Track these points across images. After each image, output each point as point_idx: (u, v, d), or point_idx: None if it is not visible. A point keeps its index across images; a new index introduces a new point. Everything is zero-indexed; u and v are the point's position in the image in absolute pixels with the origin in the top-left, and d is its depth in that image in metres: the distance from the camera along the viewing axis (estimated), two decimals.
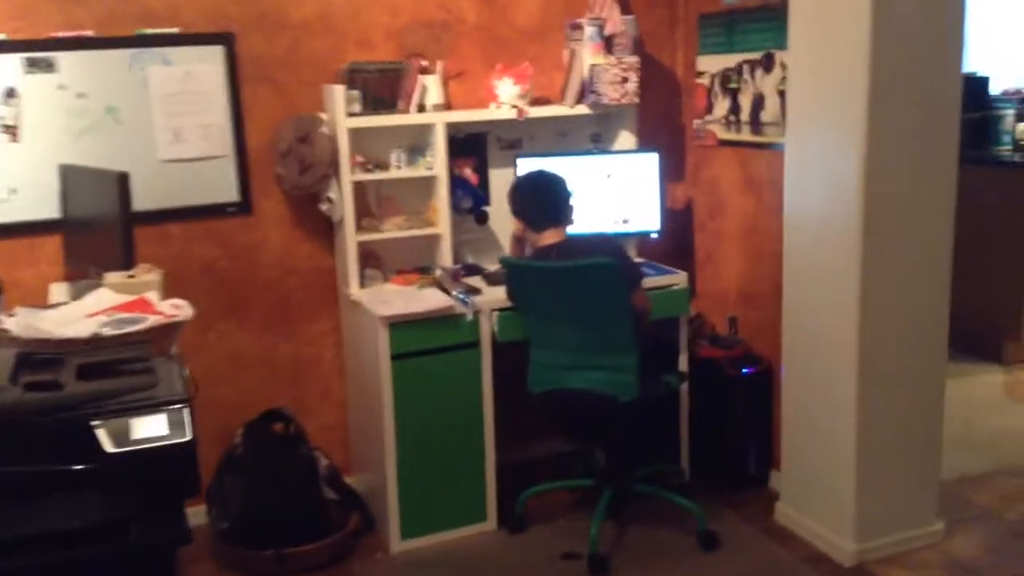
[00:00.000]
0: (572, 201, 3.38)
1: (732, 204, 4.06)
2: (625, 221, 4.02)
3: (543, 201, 3.33)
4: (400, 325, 3.44)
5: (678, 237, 4.31)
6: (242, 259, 3.82)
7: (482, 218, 4.03)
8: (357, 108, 3.68)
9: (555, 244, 3.30)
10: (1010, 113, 5.53)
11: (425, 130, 3.81)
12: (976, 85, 5.53)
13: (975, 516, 3.64)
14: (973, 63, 5.78)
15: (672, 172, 4.28)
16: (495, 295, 3.57)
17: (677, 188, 4.38)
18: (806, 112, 3.34)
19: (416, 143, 3.87)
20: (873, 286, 3.18)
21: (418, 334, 3.47)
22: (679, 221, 4.33)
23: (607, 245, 3.27)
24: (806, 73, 3.32)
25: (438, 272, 3.74)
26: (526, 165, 3.93)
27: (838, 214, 3.21)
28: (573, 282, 3.17)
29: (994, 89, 5.69)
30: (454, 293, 3.56)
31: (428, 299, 3.55)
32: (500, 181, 4.08)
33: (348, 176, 3.66)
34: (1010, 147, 5.51)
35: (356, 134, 3.68)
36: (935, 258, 3.28)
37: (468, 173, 4.05)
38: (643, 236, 4.09)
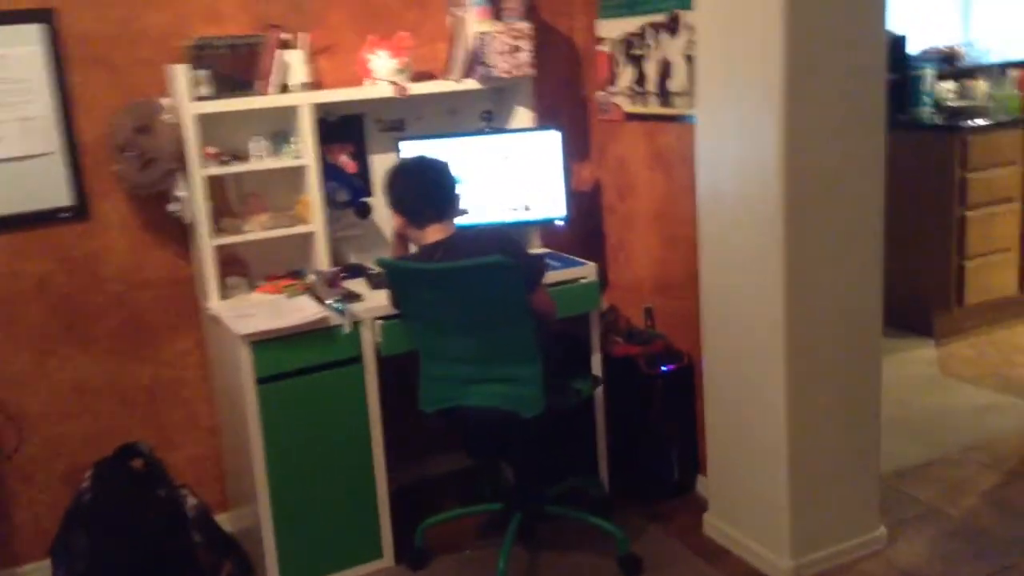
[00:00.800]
0: (459, 190, 2.92)
1: (642, 184, 3.66)
2: (527, 208, 3.59)
3: (423, 192, 2.87)
4: (265, 343, 2.95)
5: (586, 223, 3.90)
6: (81, 272, 3.28)
7: (363, 211, 3.56)
8: (206, 91, 3.16)
9: (441, 241, 2.85)
10: (930, 73, 5.25)
11: (289, 113, 3.31)
12: (893, 45, 5.23)
13: (918, 515, 3.32)
14: (889, 21, 5.48)
15: (576, 151, 3.86)
16: (379, 301, 3.11)
17: (582, 168, 3.96)
18: (717, 79, 2.94)
19: (280, 129, 3.37)
20: (799, 269, 2.81)
21: (287, 352, 2.99)
22: (587, 205, 3.92)
23: (500, 240, 2.83)
24: (715, 35, 2.92)
25: (311, 277, 3.25)
26: (411, 149, 3.47)
27: (757, 191, 2.83)
28: (463, 285, 2.73)
29: (912, 49, 5.40)
30: (329, 302, 3.09)
31: (297, 310, 3.06)
32: (382, 168, 3.58)
33: (199, 170, 3.15)
34: (931, 109, 5.24)
35: (206, 121, 3.17)
36: (866, 234, 2.93)
37: (344, 161, 3.57)
38: (548, 224, 3.66)
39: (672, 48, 3.35)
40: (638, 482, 3.58)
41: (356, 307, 3.09)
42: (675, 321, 3.57)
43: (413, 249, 3.00)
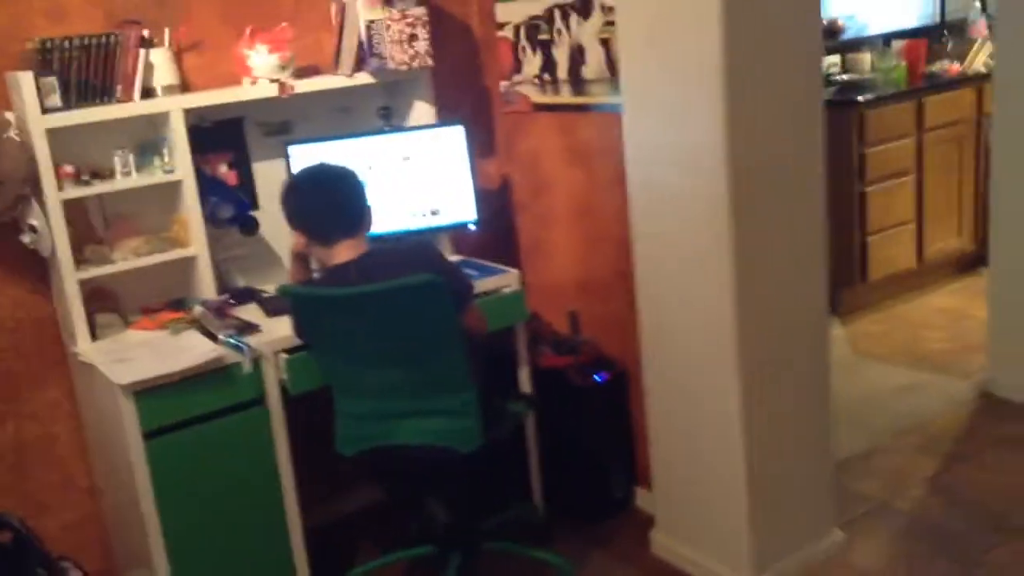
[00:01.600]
0: (368, 199, 2.56)
1: (558, 180, 3.39)
2: (434, 213, 3.26)
3: (330, 206, 2.50)
4: (151, 392, 2.53)
5: (497, 223, 3.59)
6: None
7: (249, 227, 3.15)
8: (56, 101, 2.69)
9: (353, 260, 2.48)
10: None
11: (157, 121, 2.88)
12: None
13: (869, 512, 3.18)
14: None
15: (481, 147, 3.55)
16: (280, 330, 2.72)
17: (489, 165, 3.65)
18: (644, 63, 2.68)
19: (147, 140, 2.93)
20: (747, 264, 2.59)
21: (178, 400, 2.58)
22: (496, 204, 3.61)
23: (422, 254, 2.50)
24: (639, 14, 2.66)
25: (197, 309, 2.83)
26: (301, 154, 3.08)
27: (698, 183, 2.59)
28: (386, 310, 2.38)
29: None
30: (222, 336, 2.68)
31: (185, 350, 2.65)
32: (269, 176, 3.21)
33: (54, 193, 2.68)
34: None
35: (60, 136, 2.70)
36: (810, 222, 2.74)
37: (223, 172, 3.15)
38: (458, 229, 3.34)
39: (584, 31, 3.07)
40: (576, 503, 3.31)
41: (254, 340, 2.69)
42: (603, 325, 3.32)
43: (317, 270, 2.62)
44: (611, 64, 2.99)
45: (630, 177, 2.82)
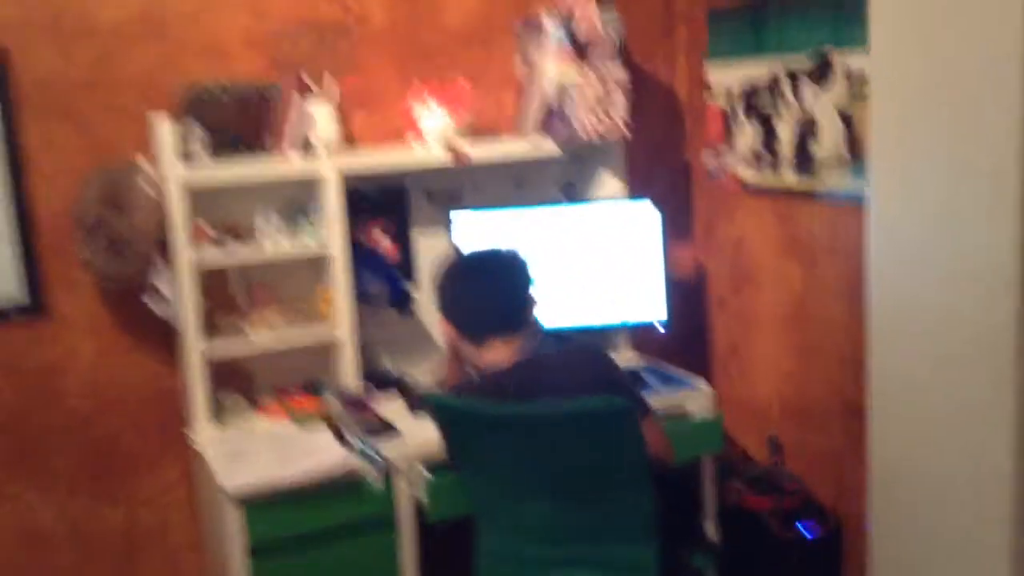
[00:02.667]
0: (533, 291, 2.07)
1: (767, 275, 2.81)
2: (613, 304, 2.75)
3: (485, 297, 2.02)
4: (261, 500, 2.12)
5: (687, 320, 3.04)
6: (35, 387, 2.50)
7: (404, 306, 2.75)
8: (200, 151, 2.38)
9: (511, 368, 1.99)
10: None
11: (311, 183, 2.53)
12: None
13: None
14: None
15: (675, 228, 3.02)
16: (422, 433, 2.27)
17: (682, 250, 3.11)
18: (907, 146, 2.08)
19: (297, 202, 2.58)
20: None
21: (292, 512, 2.16)
22: (686, 296, 3.06)
23: (594, 365, 1.99)
24: (908, 86, 2.07)
25: (331, 400, 2.42)
26: (465, 223, 2.67)
27: (975, 307, 1.96)
28: (560, 436, 1.87)
29: None
30: (353, 440, 2.25)
31: (311, 453, 2.24)
32: (429, 248, 2.81)
33: (186, 255, 2.36)
34: None
35: (199, 191, 2.39)
36: None
37: (382, 243, 2.76)
38: (643, 329, 2.81)
39: (820, 102, 2.51)
40: None
41: (391, 447, 2.25)
42: (814, 460, 2.69)
43: (472, 371, 2.15)
44: (853, 143, 2.41)
45: (872, 284, 2.21)
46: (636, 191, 2.86)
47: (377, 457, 2.19)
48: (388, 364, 2.78)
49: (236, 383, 2.57)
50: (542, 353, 2.03)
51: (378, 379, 2.67)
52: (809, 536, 2.53)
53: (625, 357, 2.85)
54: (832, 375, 2.59)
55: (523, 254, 2.06)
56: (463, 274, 2.07)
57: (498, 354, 1.99)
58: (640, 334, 2.90)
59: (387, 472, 2.22)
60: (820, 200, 2.56)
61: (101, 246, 2.35)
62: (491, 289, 2.02)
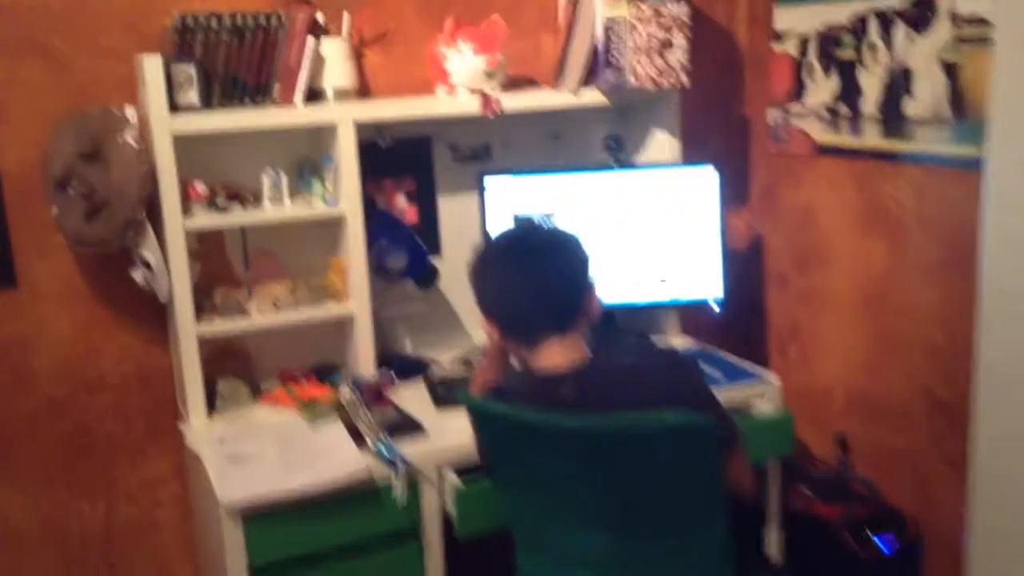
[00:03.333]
0: (591, 279, 1.72)
1: (841, 250, 2.46)
2: (663, 281, 2.42)
3: (537, 292, 1.64)
4: (264, 514, 1.80)
5: (739, 299, 2.70)
6: (2, 366, 2.16)
7: (427, 280, 2.41)
8: (193, 98, 2.03)
9: (571, 372, 1.64)
10: None
11: (321, 135, 2.17)
12: None
13: None
14: None
15: (730, 195, 2.66)
16: (451, 431, 1.95)
17: (737, 219, 2.77)
18: None
19: (306, 158, 2.23)
20: None
21: (300, 526, 1.83)
22: (740, 272, 2.72)
23: (676, 375, 1.62)
24: None
25: (344, 391, 2.08)
26: (500, 189, 2.32)
27: None
28: (624, 456, 1.53)
29: None
30: (371, 439, 1.92)
31: (322, 454, 1.90)
32: (456, 213, 2.47)
33: (177, 220, 2.01)
34: None
35: (193, 144, 2.04)
36: None
37: (401, 206, 2.42)
38: (694, 307, 2.48)
39: (917, 51, 2.15)
40: None
41: (415, 449, 1.92)
42: (890, 462, 2.37)
43: (517, 367, 1.80)
44: (957, 99, 2.05)
45: (985, 264, 1.87)
46: (691, 152, 2.51)
47: (399, 460, 1.86)
48: (409, 347, 2.45)
49: (235, 367, 2.25)
50: (611, 356, 1.68)
51: (398, 364, 2.34)
52: (887, 550, 2.22)
53: (675, 341, 2.52)
54: (915, 366, 2.26)
55: (575, 236, 1.71)
56: (504, 263, 1.68)
57: (555, 356, 1.64)
58: (691, 314, 2.56)
59: (410, 478, 1.89)
60: (911, 165, 2.20)
61: (75, 204, 2.00)
62: (543, 278, 1.64)
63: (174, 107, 2.00)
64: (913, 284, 2.25)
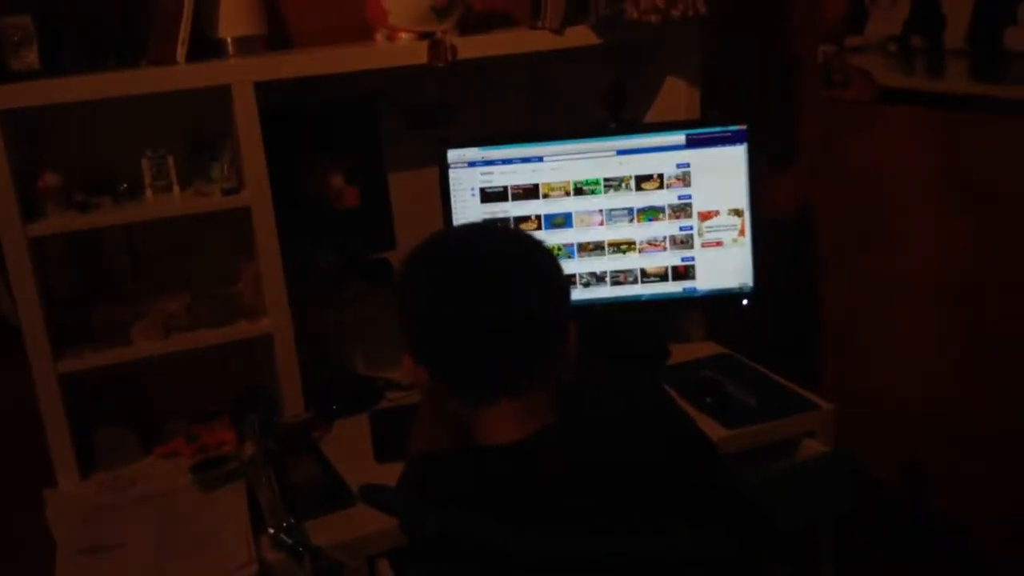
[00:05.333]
0: (566, 310, 1.14)
1: (918, 226, 1.88)
2: (676, 274, 1.87)
3: (494, 328, 1.07)
4: None
5: (779, 284, 2.12)
6: None
7: (376, 276, 1.88)
8: (32, 60, 1.51)
9: (529, 446, 1.06)
10: None
11: (217, 102, 1.64)
12: None
13: None
14: None
15: (766, 155, 2.07)
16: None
17: (777, 185, 2.19)
18: None
19: (200, 132, 1.71)
20: None
21: None
22: (782, 253, 2.15)
23: (687, 449, 1.09)
24: None
25: (249, 434, 1.57)
26: (464, 165, 1.79)
27: None
28: None
29: None
30: (272, 522, 1.41)
31: (206, 542, 1.40)
32: (412, 191, 1.93)
33: (15, 225, 1.51)
34: None
35: (39, 122, 1.52)
36: None
37: (337, 186, 1.88)
38: (719, 300, 1.92)
39: None
40: None
41: (339, 527, 1.42)
42: (980, 502, 1.82)
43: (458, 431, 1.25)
44: None
45: None
46: (711, 103, 1.94)
47: (307, 553, 1.35)
48: (361, 364, 1.95)
49: (123, 407, 1.74)
50: (587, 423, 1.13)
51: (342, 390, 1.84)
52: None
53: (695, 349, 1.97)
54: (1016, 376, 1.70)
55: (539, 242, 1.16)
56: (452, 278, 1.10)
57: (506, 422, 1.09)
58: (714, 308, 2.01)
59: (329, 572, 1.39)
60: (1010, 117, 1.61)
61: None
62: (505, 309, 1.08)
63: (6, 73, 1.48)
64: (1012, 272, 1.67)
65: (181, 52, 1.59)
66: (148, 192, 1.66)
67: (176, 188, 1.67)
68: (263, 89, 1.59)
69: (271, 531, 1.38)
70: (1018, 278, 1.67)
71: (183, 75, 1.57)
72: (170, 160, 1.66)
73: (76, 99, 1.51)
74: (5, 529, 1.79)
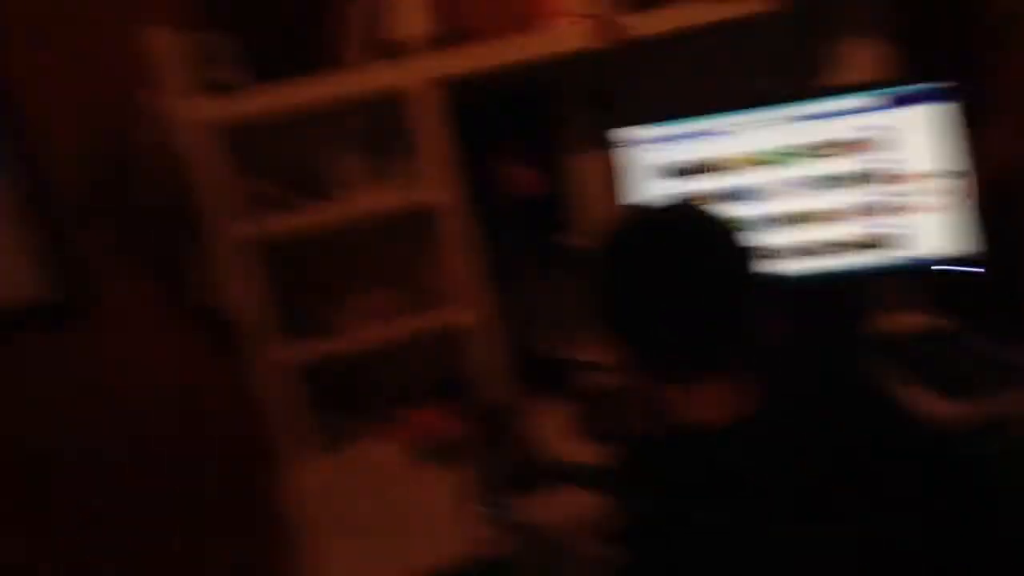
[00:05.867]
0: (754, 280, 1.11)
1: None
2: (873, 245, 1.76)
3: (690, 302, 1.08)
4: None
5: (992, 249, 1.93)
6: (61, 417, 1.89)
7: (564, 257, 1.89)
8: (226, 73, 1.63)
9: (736, 425, 1.07)
10: None
11: (400, 102, 1.70)
12: None
13: None
14: None
15: (971, 106, 1.91)
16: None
17: (997, 137, 2.01)
18: None
19: (378, 131, 1.78)
20: None
21: None
22: (991, 214, 1.97)
23: (916, 441, 1.05)
24: None
25: (463, 424, 1.61)
26: (634, 147, 1.77)
27: None
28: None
29: None
30: (486, 497, 1.44)
31: (428, 531, 1.46)
32: (587, 176, 1.94)
33: (235, 227, 1.63)
34: None
35: (240, 132, 1.64)
36: None
37: (519, 178, 1.91)
38: (922, 271, 1.80)
39: None
40: None
41: (552, 504, 1.44)
42: None
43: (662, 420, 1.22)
44: None
45: None
46: (907, 63, 1.82)
47: (517, 527, 1.37)
48: (554, 346, 1.96)
49: (341, 393, 1.85)
50: (793, 402, 1.09)
51: (540, 370, 1.86)
52: None
53: (908, 320, 1.85)
54: None
55: (734, 225, 1.14)
56: (650, 258, 1.11)
57: (713, 402, 1.08)
58: (927, 277, 1.87)
59: (541, 552, 1.41)
60: None
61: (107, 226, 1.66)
62: (697, 288, 1.08)
63: (208, 86, 1.61)
64: None
65: (366, 55, 1.67)
66: (345, 192, 1.74)
67: (371, 187, 1.75)
68: (442, 87, 1.64)
69: (485, 509, 1.41)
70: None
71: (381, 75, 1.64)
72: (354, 160, 1.74)
73: (282, 108, 1.61)
74: (234, 508, 1.94)
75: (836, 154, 1.74)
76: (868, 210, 1.74)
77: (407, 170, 1.74)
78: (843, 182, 1.74)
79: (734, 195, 1.76)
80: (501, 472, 1.50)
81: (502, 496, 1.43)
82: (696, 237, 1.10)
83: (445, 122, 1.66)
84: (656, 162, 1.79)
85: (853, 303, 1.88)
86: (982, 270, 1.72)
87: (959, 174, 1.71)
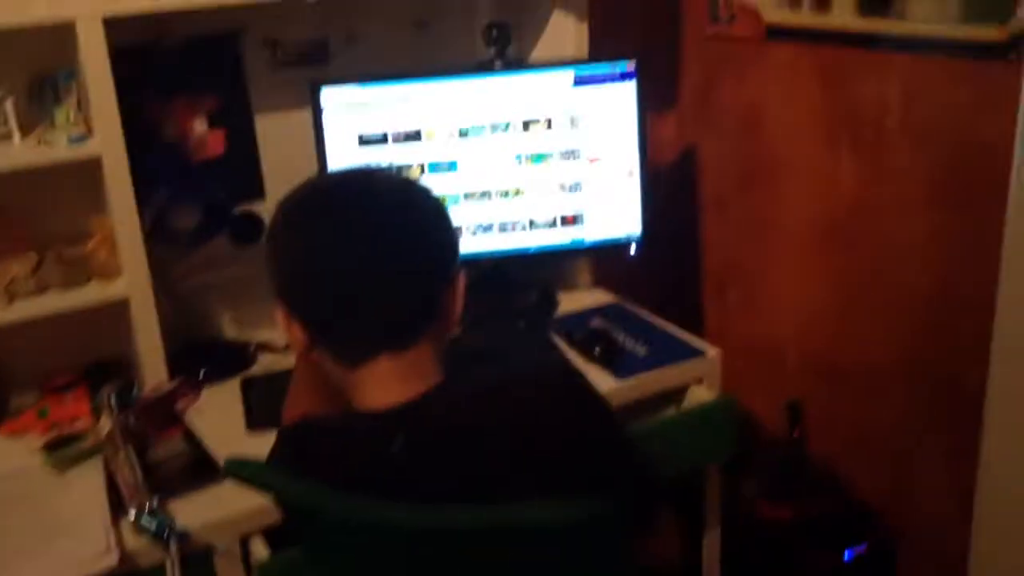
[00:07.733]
0: (456, 263, 1.07)
1: (799, 166, 1.88)
2: (566, 221, 1.81)
3: (373, 275, 1.00)
4: None
5: (663, 227, 2.07)
6: None
7: (246, 233, 1.75)
8: None
9: (407, 407, 1.01)
10: None
11: (62, 41, 1.46)
12: None
13: None
14: None
15: (652, 95, 2.01)
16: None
17: (663, 125, 2.15)
18: None
19: (44, 74, 1.54)
20: None
21: None
22: (665, 195, 2.11)
23: (572, 410, 1.02)
24: None
25: (105, 407, 1.44)
26: (339, 106, 1.67)
27: None
28: (490, 563, 0.95)
29: None
30: (132, 506, 1.29)
31: (60, 530, 1.28)
32: (283, 141, 1.80)
33: None
34: None
35: None
36: None
37: (199, 131, 1.73)
38: (608, 251, 1.88)
39: None
40: None
41: (208, 507, 1.32)
42: (853, 439, 1.86)
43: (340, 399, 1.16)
44: None
45: (1016, 200, 1.31)
46: (601, 42, 1.86)
47: (172, 536, 1.25)
48: (229, 328, 1.83)
49: None
50: (467, 383, 1.06)
51: (211, 356, 1.72)
52: (847, 556, 1.73)
53: (583, 297, 1.93)
54: (895, 320, 1.73)
55: (431, 191, 1.07)
56: (324, 221, 1.02)
57: (388, 383, 1.02)
58: (602, 255, 1.96)
59: (199, 552, 1.30)
60: (898, 53, 1.60)
61: None
62: (384, 255, 1.00)
63: None
64: (892, 214, 1.69)
65: None
66: None
67: (17, 136, 1.50)
68: (113, 27, 1.43)
69: (132, 514, 1.26)
70: (896, 221, 1.68)
71: (24, 8, 1.39)
72: (9, 104, 1.49)
73: None
74: None
75: (523, 130, 1.75)
76: (550, 188, 1.78)
77: (61, 119, 1.51)
78: (528, 160, 1.76)
79: (423, 166, 1.72)
80: (156, 471, 1.36)
81: (156, 499, 1.29)
82: (383, 205, 1.03)
83: (105, 65, 1.45)
84: (352, 128, 1.70)
85: (534, 281, 1.93)
86: (643, 248, 1.83)
87: (634, 156, 1.79)
